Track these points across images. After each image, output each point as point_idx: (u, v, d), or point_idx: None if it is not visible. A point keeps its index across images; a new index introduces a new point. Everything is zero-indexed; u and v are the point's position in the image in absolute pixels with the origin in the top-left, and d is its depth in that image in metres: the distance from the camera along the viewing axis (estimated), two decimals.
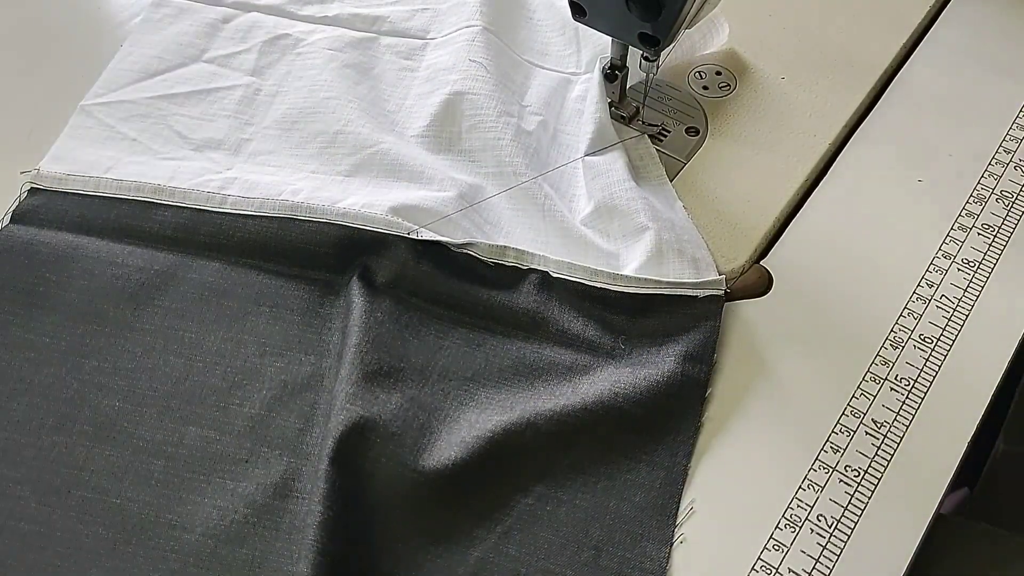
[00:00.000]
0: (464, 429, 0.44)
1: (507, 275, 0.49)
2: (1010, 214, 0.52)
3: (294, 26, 0.60)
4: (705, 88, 0.58)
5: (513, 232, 0.51)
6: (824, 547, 0.41)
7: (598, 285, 0.48)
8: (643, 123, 0.55)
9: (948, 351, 0.47)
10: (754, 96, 0.58)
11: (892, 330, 0.48)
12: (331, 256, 0.49)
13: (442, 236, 0.48)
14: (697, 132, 0.56)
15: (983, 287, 0.49)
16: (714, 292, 0.48)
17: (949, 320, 0.48)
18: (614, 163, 0.52)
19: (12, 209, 0.51)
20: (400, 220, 0.48)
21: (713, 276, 0.48)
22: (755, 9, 0.62)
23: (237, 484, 0.43)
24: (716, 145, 0.56)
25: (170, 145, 0.54)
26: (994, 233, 0.52)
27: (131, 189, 0.51)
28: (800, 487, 0.43)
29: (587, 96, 0.55)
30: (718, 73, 0.59)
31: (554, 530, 0.42)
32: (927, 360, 0.47)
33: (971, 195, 0.53)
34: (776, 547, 0.42)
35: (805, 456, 0.44)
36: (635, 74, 0.54)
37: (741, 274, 0.50)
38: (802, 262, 0.51)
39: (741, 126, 0.57)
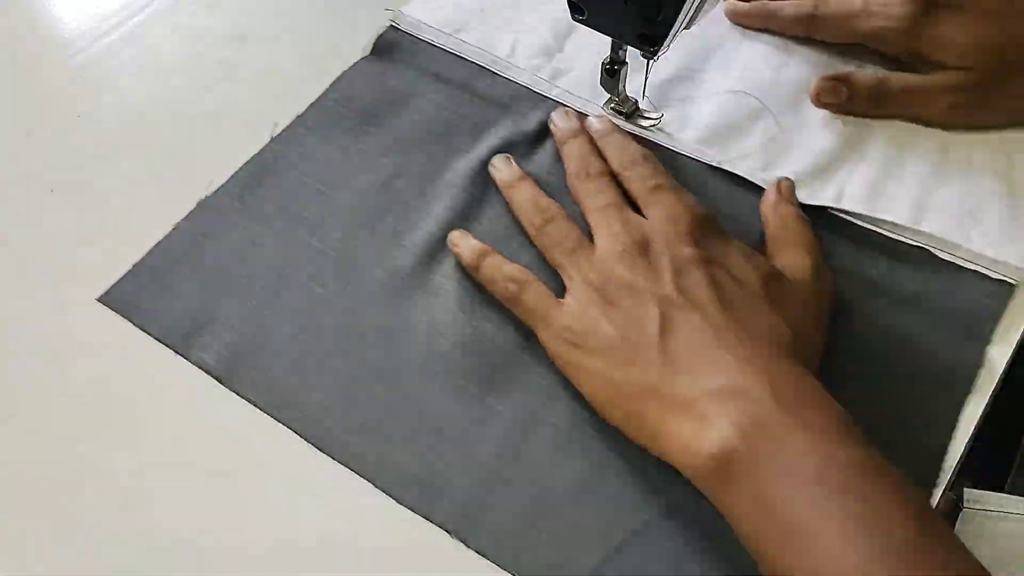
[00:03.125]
0: None
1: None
2: None
3: None
4: None
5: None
6: None
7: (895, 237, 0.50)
8: (642, 117, 0.55)
9: None
10: None
11: None
12: None
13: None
14: None
15: None
16: (1009, 279, 0.48)
17: None
18: None
19: (374, 41, 0.59)
20: (703, 148, 0.53)
21: (1014, 261, 0.49)
22: None
23: (497, 314, 0.47)
24: None
25: (509, 22, 0.60)
26: None
27: (474, 54, 0.58)
28: None
29: None
30: None
31: None
32: None
33: None
34: None
35: None
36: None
37: None
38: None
39: None
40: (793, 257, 0.47)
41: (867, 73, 0.55)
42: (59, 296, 0.48)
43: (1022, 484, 0.59)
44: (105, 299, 0.48)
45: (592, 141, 0.52)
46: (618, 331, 0.42)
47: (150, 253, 0.50)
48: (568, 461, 0.43)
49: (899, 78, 0.54)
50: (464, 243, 0.48)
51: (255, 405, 0.44)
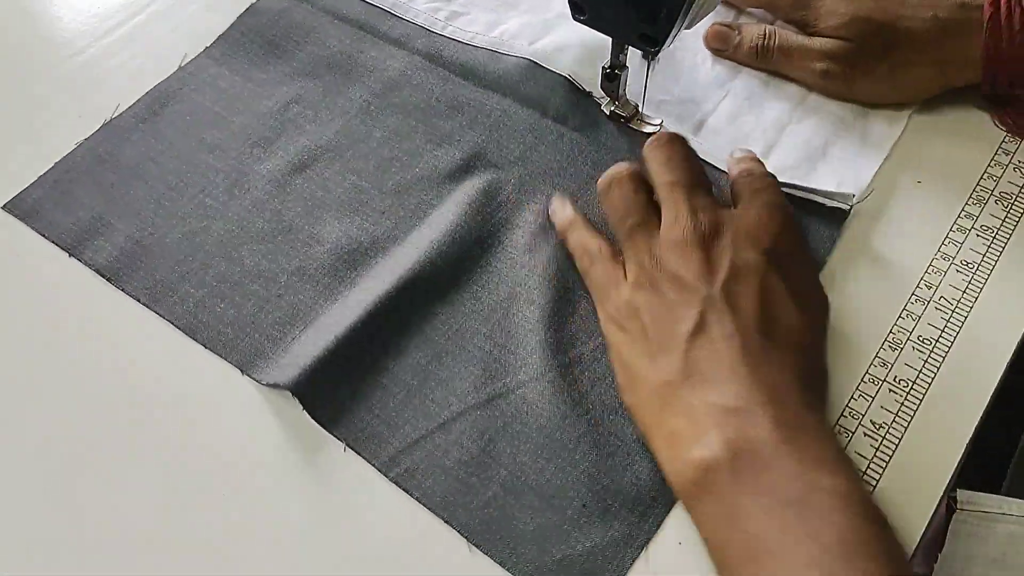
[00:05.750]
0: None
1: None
2: (1009, 216, 0.52)
3: None
4: None
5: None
6: None
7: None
8: (642, 122, 0.55)
9: (947, 353, 0.47)
10: None
11: (891, 331, 0.48)
12: (515, 83, 0.57)
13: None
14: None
15: (981, 289, 0.49)
16: (841, 205, 0.51)
17: (948, 322, 0.48)
18: None
19: None
20: (578, 82, 0.56)
21: (849, 191, 0.51)
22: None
23: (367, 224, 0.51)
24: None
25: None
26: (993, 235, 0.52)
27: None
28: None
29: None
30: None
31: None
32: (926, 362, 0.47)
33: (970, 196, 0.53)
34: None
35: None
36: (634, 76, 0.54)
37: None
38: None
39: None
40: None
41: (758, 26, 0.57)
42: None
43: (1018, 486, 0.59)
44: (8, 207, 0.52)
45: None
46: (653, 323, 0.42)
47: (54, 167, 0.54)
48: (412, 344, 0.47)
49: (783, 37, 0.56)
50: (561, 211, 0.50)
51: (139, 301, 0.49)
